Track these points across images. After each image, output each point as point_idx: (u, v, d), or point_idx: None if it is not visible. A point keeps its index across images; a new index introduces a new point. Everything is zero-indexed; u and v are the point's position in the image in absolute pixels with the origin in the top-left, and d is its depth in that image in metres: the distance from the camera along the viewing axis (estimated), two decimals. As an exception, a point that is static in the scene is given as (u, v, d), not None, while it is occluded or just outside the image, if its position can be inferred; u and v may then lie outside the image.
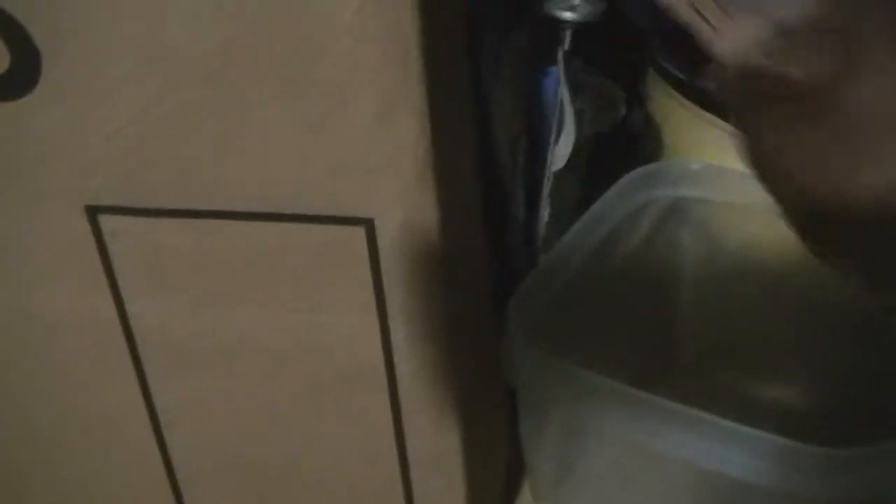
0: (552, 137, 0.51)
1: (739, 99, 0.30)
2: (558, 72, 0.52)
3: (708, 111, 0.52)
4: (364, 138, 0.35)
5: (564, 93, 0.50)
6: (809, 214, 0.29)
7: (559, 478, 0.48)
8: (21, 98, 0.36)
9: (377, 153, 0.35)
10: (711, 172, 0.53)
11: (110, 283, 0.40)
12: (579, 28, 0.51)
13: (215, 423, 0.44)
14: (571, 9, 0.51)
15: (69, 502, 0.49)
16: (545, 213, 0.52)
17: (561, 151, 0.51)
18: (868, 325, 0.51)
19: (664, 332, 0.56)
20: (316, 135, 0.35)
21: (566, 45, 0.52)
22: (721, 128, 0.52)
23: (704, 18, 0.29)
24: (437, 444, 0.43)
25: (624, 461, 0.45)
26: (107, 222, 0.38)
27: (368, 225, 0.37)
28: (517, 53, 0.50)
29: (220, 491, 0.46)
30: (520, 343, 0.42)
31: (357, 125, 0.35)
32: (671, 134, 0.56)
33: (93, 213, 0.38)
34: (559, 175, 0.51)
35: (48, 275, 0.41)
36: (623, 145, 0.58)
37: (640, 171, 0.53)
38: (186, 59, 0.34)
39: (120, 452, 0.46)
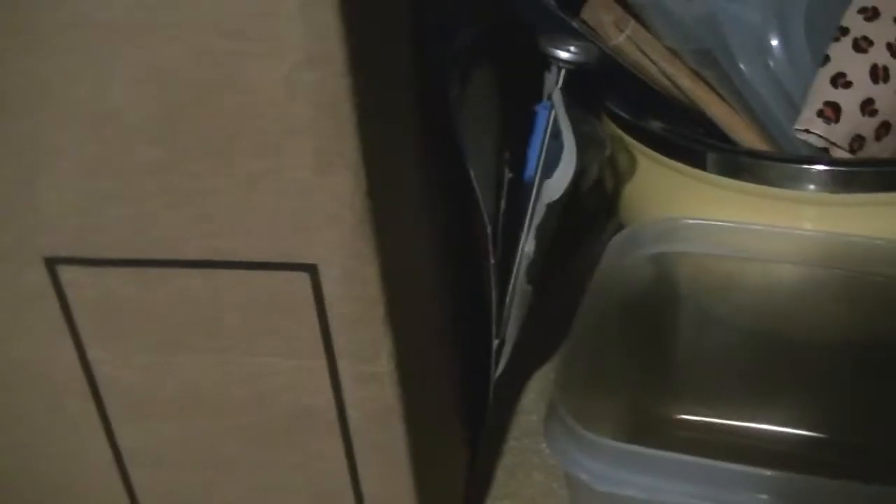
0: (538, 169, 0.52)
1: None
2: (546, 107, 0.53)
3: (655, 151, 0.54)
4: (303, 190, 0.36)
5: (565, 125, 0.52)
6: None
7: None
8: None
9: (316, 204, 0.37)
10: (691, 228, 0.55)
11: (71, 331, 0.42)
12: (574, 69, 0.53)
13: (175, 467, 0.45)
14: (567, 49, 0.52)
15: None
16: (531, 247, 0.53)
17: (557, 183, 0.52)
18: (866, 361, 0.52)
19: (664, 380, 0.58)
20: (258, 188, 0.37)
21: (560, 83, 0.53)
22: (669, 168, 0.55)
23: None
24: (392, 486, 0.44)
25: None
26: (65, 273, 0.40)
27: (312, 271, 0.38)
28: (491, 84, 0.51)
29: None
30: (569, 424, 0.43)
31: (295, 179, 0.36)
32: (623, 176, 0.58)
33: (51, 264, 0.40)
34: (551, 206, 0.52)
35: (10, 327, 0.42)
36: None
37: (626, 232, 0.55)
38: (131, 121, 0.36)
39: (88, 497, 0.47)
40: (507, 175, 0.53)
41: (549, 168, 0.53)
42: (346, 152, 0.36)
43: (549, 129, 0.53)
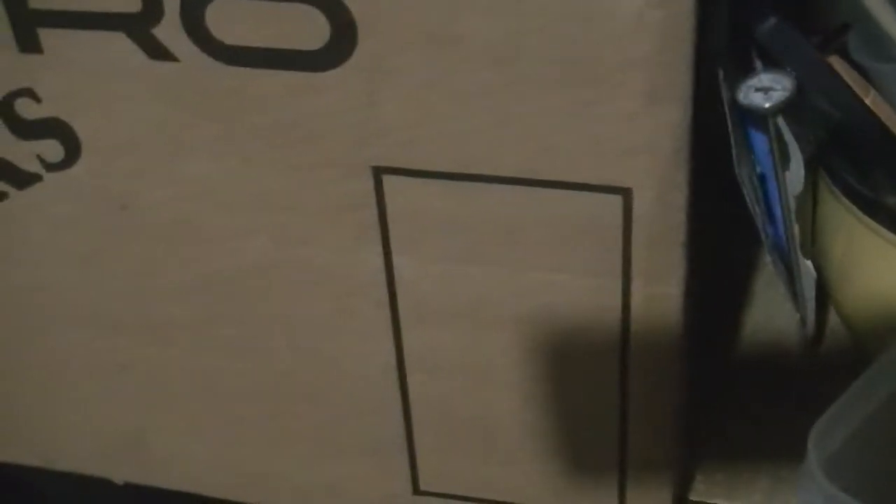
0: (775, 164, 0.53)
1: None
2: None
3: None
4: (630, 119, 0.40)
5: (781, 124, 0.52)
6: None
7: None
8: (331, 70, 0.42)
9: (640, 132, 0.40)
10: None
11: (382, 239, 0.46)
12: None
13: (451, 375, 0.49)
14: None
15: (304, 442, 0.54)
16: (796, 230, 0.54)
17: (796, 173, 0.53)
18: None
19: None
20: (586, 114, 0.40)
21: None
22: None
23: None
24: (658, 413, 0.48)
25: None
26: (389, 182, 0.44)
27: (626, 194, 0.42)
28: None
29: (449, 441, 0.52)
30: (818, 477, 0.42)
31: (624, 108, 0.40)
32: (843, 251, 0.56)
33: (378, 174, 0.44)
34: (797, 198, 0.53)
35: (321, 232, 0.46)
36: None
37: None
38: (475, 45, 0.40)
39: (361, 397, 0.51)
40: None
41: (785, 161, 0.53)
42: (679, 86, 0.39)
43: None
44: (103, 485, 0.60)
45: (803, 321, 0.58)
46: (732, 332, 0.64)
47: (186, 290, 0.50)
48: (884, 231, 0.52)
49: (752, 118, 0.52)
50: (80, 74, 0.44)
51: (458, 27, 0.39)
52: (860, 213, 0.53)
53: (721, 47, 0.50)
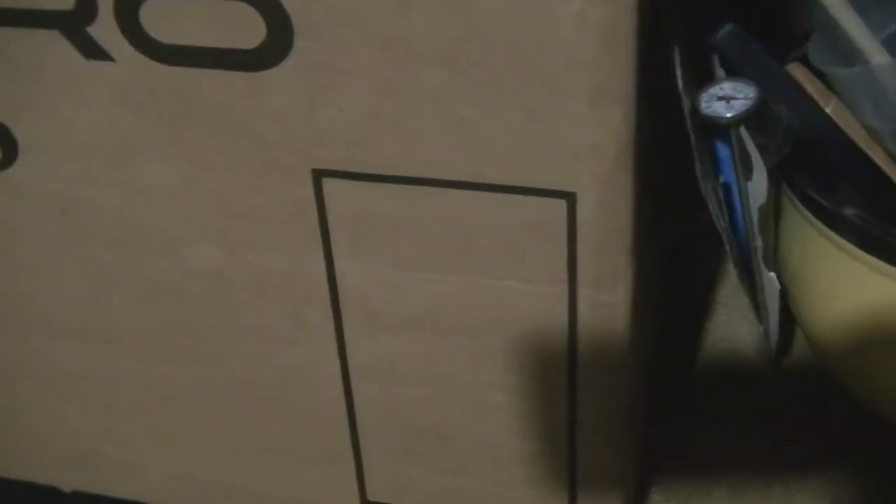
0: (737, 173, 0.52)
1: None
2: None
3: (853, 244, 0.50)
4: (574, 121, 0.39)
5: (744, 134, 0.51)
6: None
7: None
8: (270, 69, 0.41)
9: (584, 134, 0.39)
10: None
11: (324, 243, 0.45)
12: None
13: (399, 382, 0.48)
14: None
15: (257, 452, 0.54)
16: (759, 242, 0.54)
17: (759, 185, 0.52)
18: None
19: None
20: (533, 116, 0.39)
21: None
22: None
23: None
24: (608, 406, 0.47)
25: None
26: (329, 185, 0.43)
27: (570, 198, 0.41)
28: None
29: (398, 451, 0.51)
30: None
31: (569, 110, 0.39)
32: (802, 262, 0.55)
33: (318, 177, 0.43)
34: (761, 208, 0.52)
35: (269, 236, 0.45)
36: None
37: None
38: (422, 46, 0.39)
39: (309, 406, 0.50)
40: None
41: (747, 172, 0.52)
42: (623, 87, 0.38)
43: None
44: (53, 494, 0.59)
45: (766, 334, 0.57)
46: (695, 341, 0.63)
47: (138, 297, 0.49)
48: (840, 240, 0.51)
49: (714, 128, 0.51)
50: (17, 74, 0.43)
51: (403, 28, 0.39)
52: (817, 222, 0.52)
53: (678, 52, 0.49)
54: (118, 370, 0.53)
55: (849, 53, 0.50)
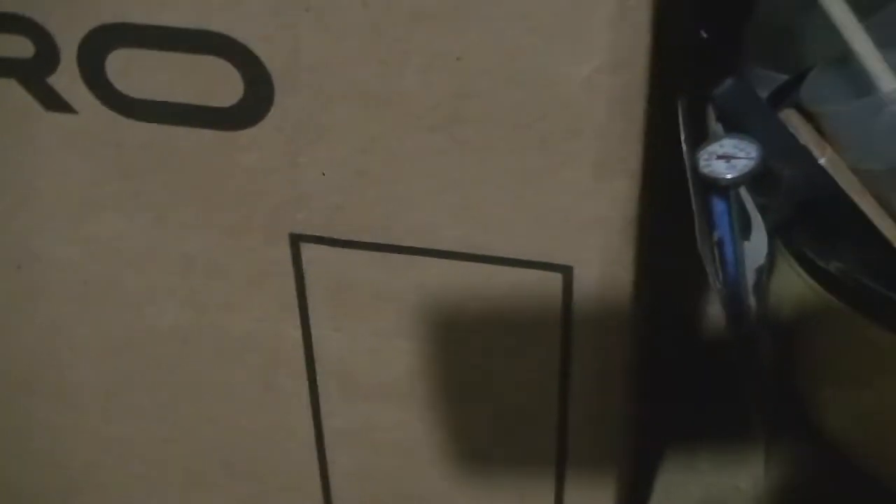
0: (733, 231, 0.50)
1: None
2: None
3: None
4: (576, 191, 0.36)
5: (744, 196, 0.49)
6: None
7: None
8: (248, 128, 0.38)
9: (586, 206, 0.37)
10: None
11: (300, 309, 0.42)
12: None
13: (374, 450, 0.45)
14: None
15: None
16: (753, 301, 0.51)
17: (757, 245, 0.50)
18: None
19: None
20: (529, 185, 0.37)
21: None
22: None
23: None
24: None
25: None
26: (308, 251, 0.40)
27: (566, 272, 0.38)
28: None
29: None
30: None
31: (570, 179, 0.36)
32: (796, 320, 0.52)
33: (296, 241, 0.40)
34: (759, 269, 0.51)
35: (239, 298, 0.42)
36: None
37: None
38: (415, 106, 0.36)
39: (280, 474, 0.47)
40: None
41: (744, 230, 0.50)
42: (629, 158, 0.36)
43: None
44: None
45: (755, 396, 0.55)
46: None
47: (98, 352, 0.46)
48: (834, 300, 0.48)
49: (713, 186, 0.48)
50: (-30, 122, 0.40)
51: (392, 86, 0.36)
52: (812, 282, 0.49)
53: (682, 107, 0.47)
54: (76, 427, 0.49)
55: (861, 84, 0.48)
